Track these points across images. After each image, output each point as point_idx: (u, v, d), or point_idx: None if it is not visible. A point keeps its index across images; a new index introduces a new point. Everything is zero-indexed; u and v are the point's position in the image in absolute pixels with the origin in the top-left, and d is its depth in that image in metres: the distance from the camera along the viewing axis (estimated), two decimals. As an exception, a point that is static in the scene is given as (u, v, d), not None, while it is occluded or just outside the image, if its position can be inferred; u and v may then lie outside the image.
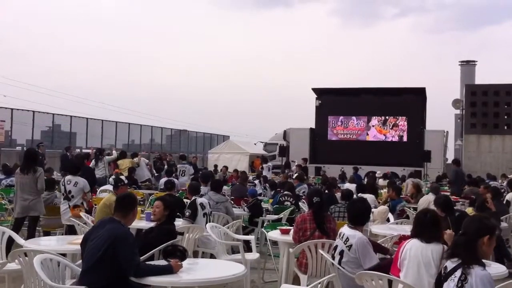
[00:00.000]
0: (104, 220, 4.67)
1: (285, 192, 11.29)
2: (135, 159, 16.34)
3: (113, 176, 10.39)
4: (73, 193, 9.16)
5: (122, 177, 11.13)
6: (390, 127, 32.17)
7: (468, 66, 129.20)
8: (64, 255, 5.13)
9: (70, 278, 5.12)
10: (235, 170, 19.75)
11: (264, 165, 22.59)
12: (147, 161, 18.41)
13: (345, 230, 5.28)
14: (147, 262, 4.64)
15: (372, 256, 5.12)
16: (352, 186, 14.33)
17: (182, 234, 6.66)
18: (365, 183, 15.01)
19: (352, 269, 5.04)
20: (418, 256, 4.39)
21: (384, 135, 32.25)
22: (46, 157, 18.20)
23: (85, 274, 4.33)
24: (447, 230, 5.09)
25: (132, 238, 4.52)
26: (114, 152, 16.46)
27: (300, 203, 11.09)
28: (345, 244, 5.15)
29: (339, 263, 5.15)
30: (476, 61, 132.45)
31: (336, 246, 5.30)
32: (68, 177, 9.51)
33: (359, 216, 5.39)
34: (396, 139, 31.94)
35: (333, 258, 5.26)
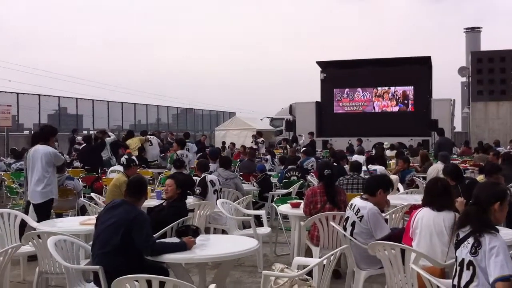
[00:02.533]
0: (116, 203, 4.67)
1: (290, 167, 11.22)
2: (147, 137, 16.35)
3: (125, 156, 10.38)
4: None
5: (133, 158, 11.13)
6: (397, 98, 32.02)
7: (473, 33, 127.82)
8: (77, 235, 5.17)
9: (84, 258, 5.17)
10: (242, 146, 19.73)
11: (259, 140, 22.64)
12: (159, 140, 18.36)
13: (357, 201, 5.28)
14: (160, 240, 4.67)
15: (383, 226, 5.13)
16: (360, 158, 14.33)
17: (192, 211, 6.70)
18: (374, 154, 14.95)
19: (364, 240, 5.06)
20: (430, 225, 4.39)
21: (391, 105, 32.11)
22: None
23: (103, 256, 4.33)
24: (459, 198, 5.09)
25: (147, 218, 4.54)
26: (111, 134, 16.29)
27: (308, 177, 11.08)
28: (356, 215, 5.16)
29: (351, 234, 5.17)
30: (481, 28, 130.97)
31: (348, 217, 5.31)
32: (180, 151, 13.27)
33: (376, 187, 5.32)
34: (402, 109, 31.81)
35: (345, 229, 5.27)
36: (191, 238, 4.52)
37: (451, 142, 16.04)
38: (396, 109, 31.95)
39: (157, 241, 4.49)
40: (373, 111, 32.20)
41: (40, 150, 7.52)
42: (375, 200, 5.20)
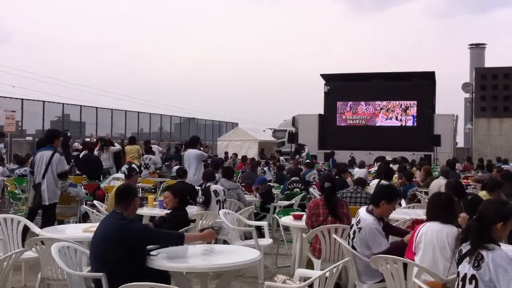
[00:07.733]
0: (108, 214, 4.72)
1: (293, 179, 11.19)
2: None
3: (126, 166, 10.40)
4: None
5: (134, 166, 11.13)
6: (400, 112, 32.06)
7: (477, 49, 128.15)
8: (80, 242, 5.17)
9: (86, 265, 5.17)
10: (244, 157, 19.75)
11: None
12: (161, 148, 18.36)
13: (361, 211, 5.30)
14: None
15: (380, 242, 5.07)
16: (362, 171, 14.33)
17: (194, 221, 6.69)
18: (377, 169, 14.92)
19: (362, 250, 5.08)
20: (433, 240, 4.40)
21: (394, 119, 32.15)
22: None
23: (103, 267, 4.30)
24: (461, 214, 5.09)
25: (140, 226, 4.61)
26: (116, 145, 16.23)
27: (310, 189, 11.07)
28: (357, 225, 5.19)
29: (353, 241, 5.22)
30: (486, 44, 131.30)
31: (353, 224, 5.34)
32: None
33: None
34: (405, 123, 31.85)
35: (349, 235, 5.32)
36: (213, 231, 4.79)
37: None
38: (398, 123, 31.99)
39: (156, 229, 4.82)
40: (376, 124, 32.24)
41: (192, 152, 11.30)
42: (379, 211, 5.21)
